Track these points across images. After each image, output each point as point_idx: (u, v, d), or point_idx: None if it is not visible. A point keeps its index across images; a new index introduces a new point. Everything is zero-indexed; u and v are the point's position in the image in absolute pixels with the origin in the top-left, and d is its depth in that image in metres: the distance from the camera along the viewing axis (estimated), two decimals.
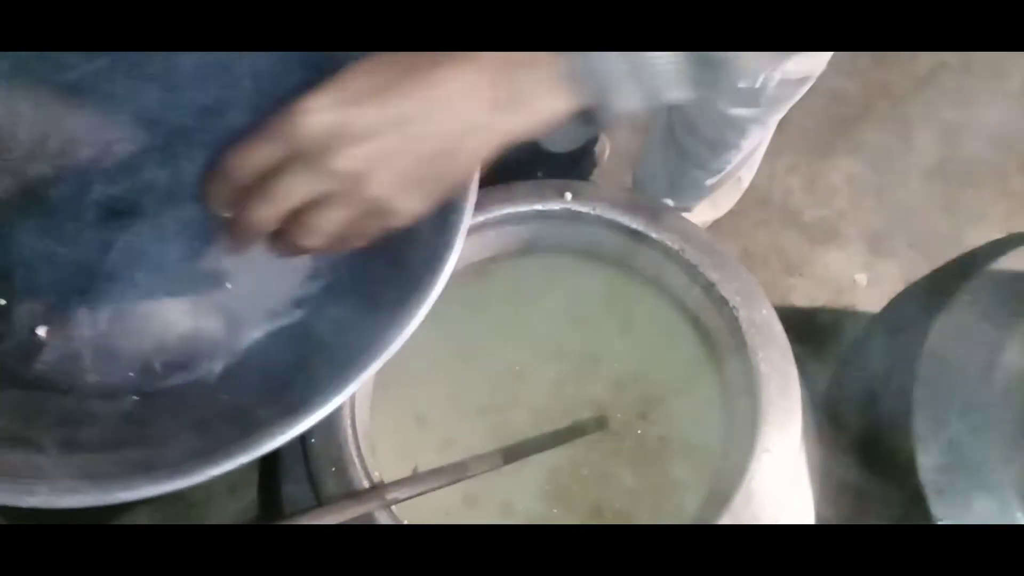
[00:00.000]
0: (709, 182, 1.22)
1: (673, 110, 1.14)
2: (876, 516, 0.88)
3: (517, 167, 1.49)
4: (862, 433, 0.92)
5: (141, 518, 1.11)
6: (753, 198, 1.50)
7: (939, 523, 0.79)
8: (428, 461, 0.74)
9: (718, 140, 1.11)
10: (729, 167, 1.18)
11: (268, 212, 0.47)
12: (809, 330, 1.36)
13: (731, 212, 1.43)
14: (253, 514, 1.02)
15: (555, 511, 0.81)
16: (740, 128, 1.07)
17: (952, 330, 0.88)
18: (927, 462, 0.82)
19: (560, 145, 1.41)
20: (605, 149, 1.51)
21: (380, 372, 0.81)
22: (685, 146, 1.16)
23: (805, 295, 1.42)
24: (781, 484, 0.68)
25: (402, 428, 0.83)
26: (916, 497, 0.82)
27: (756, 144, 1.16)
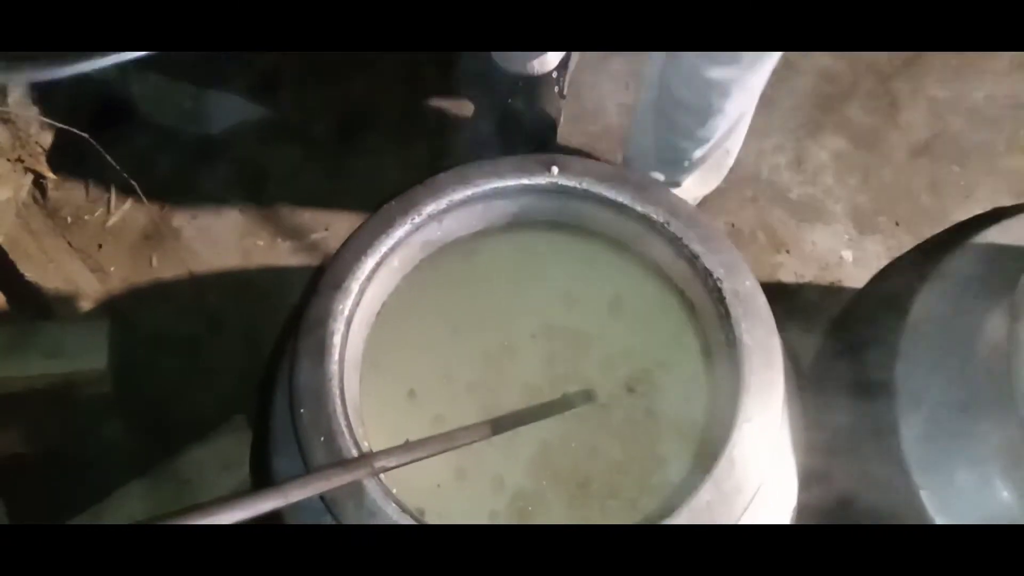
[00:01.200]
0: (697, 153, 1.23)
1: (661, 84, 1.15)
2: (860, 487, 0.89)
3: (474, 79, 1.50)
4: (846, 405, 0.93)
5: (134, 498, 1.12)
6: (740, 176, 1.50)
7: (931, 513, 0.80)
8: (419, 437, 0.74)
9: (703, 106, 1.13)
10: (716, 136, 1.20)
11: None
12: (796, 306, 1.37)
13: (718, 189, 1.44)
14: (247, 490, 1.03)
15: (544, 483, 0.82)
16: (723, 91, 1.09)
17: (935, 304, 0.89)
18: (909, 433, 0.83)
19: (516, 64, 1.42)
20: (565, 82, 1.52)
21: (371, 350, 0.83)
22: (673, 118, 1.17)
23: (792, 272, 1.43)
24: (763, 453, 0.69)
25: (393, 405, 0.84)
26: (899, 468, 0.83)
27: (740, 111, 1.17)
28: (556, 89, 1.50)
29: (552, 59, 1.46)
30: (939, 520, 0.80)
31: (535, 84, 1.47)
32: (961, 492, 0.81)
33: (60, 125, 1.46)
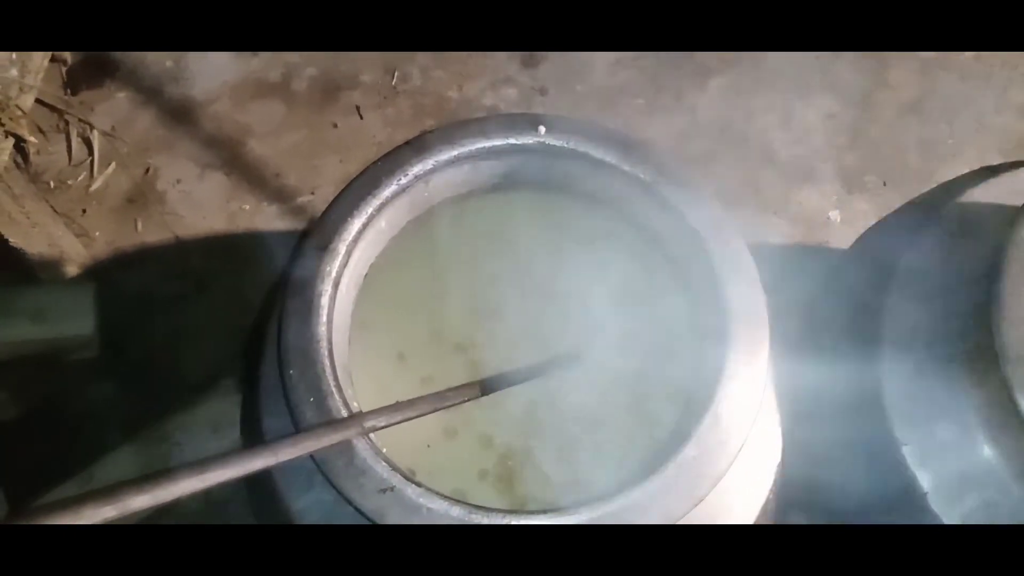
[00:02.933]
0: None
1: None
2: (843, 441, 0.90)
3: None
4: (831, 362, 0.94)
5: (124, 460, 1.12)
6: (730, 137, 1.50)
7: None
8: (409, 397, 0.74)
9: None
10: None
11: None
12: (784, 267, 1.38)
13: (707, 151, 1.44)
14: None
15: (532, 442, 0.82)
16: None
17: (920, 262, 0.90)
18: (892, 389, 0.84)
19: None
20: None
21: (359, 311, 0.83)
22: None
23: (781, 232, 1.43)
24: (748, 409, 0.70)
25: (383, 366, 0.84)
26: (882, 422, 0.84)
27: None
28: None
29: None
30: (920, 475, 0.82)
31: None
32: (943, 448, 0.82)
33: (41, 87, 1.44)
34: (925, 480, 0.82)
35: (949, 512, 0.81)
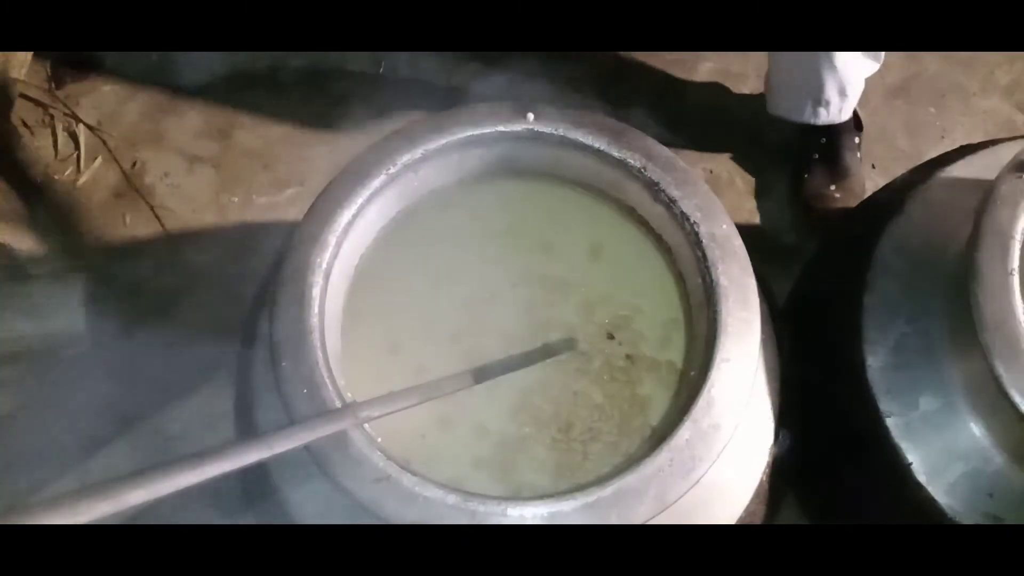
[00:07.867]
0: None
1: None
2: (830, 417, 0.91)
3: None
4: (817, 340, 0.95)
5: (119, 453, 1.12)
6: (719, 121, 1.50)
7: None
8: (402, 387, 0.75)
9: None
10: None
11: None
12: (774, 250, 1.38)
13: (697, 135, 1.44)
14: None
15: (527, 429, 0.83)
16: None
17: (902, 238, 0.91)
18: (875, 363, 0.86)
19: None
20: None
21: (351, 302, 0.83)
22: None
23: (769, 216, 1.44)
24: (740, 391, 0.70)
25: (376, 356, 0.84)
26: (866, 396, 0.85)
27: None
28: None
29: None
30: (904, 446, 0.83)
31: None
32: (926, 419, 0.83)
33: (25, 81, 1.43)
34: (909, 451, 0.83)
35: (934, 482, 0.82)
